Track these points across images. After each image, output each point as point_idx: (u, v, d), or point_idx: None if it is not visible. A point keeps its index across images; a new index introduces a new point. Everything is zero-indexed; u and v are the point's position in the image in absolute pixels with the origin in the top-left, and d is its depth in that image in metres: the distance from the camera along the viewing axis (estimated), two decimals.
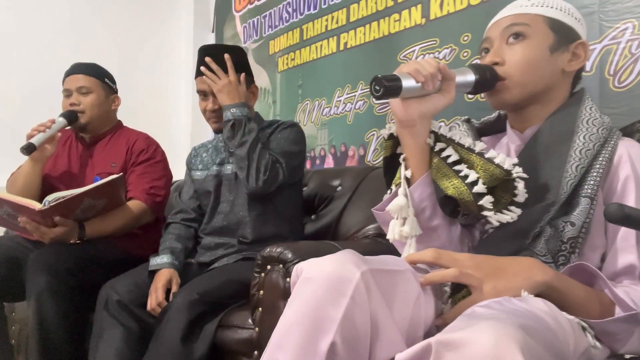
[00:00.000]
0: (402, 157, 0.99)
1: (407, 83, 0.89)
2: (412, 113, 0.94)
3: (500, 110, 1.14)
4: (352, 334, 0.75)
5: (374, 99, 0.93)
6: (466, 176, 0.91)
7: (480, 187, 0.90)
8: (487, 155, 0.91)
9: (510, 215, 0.91)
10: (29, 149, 1.73)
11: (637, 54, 1.42)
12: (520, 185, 0.90)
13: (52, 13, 2.92)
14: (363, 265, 0.78)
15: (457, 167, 0.93)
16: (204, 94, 1.72)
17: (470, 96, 1.73)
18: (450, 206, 0.95)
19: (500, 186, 0.91)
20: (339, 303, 0.75)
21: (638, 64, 1.42)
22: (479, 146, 0.93)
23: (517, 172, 0.90)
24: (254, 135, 1.60)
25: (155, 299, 1.54)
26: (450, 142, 0.95)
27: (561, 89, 1.02)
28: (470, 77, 0.98)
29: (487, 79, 0.98)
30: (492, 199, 0.90)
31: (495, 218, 0.91)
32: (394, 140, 1.02)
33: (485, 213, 0.91)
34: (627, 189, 0.92)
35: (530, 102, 1.02)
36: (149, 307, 1.54)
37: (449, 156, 0.94)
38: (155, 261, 1.64)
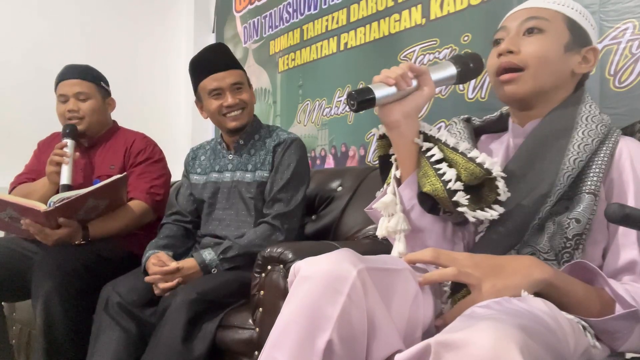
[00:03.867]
0: (393, 157, 1.02)
1: (381, 91, 0.93)
2: (394, 115, 0.96)
3: (502, 110, 1.14)
4: (349, 332, 0.75)
5: (351, 110, 0.95)
6: (443, 173, 0.93)
7: (456, 185, 0.91)
8: (469, 155, 0.93)
9: (490, 213, 0.92)
10: (68, 191, 1.72)
11: (637, 54, 1.42)
12: (501, 184, 0.91)
13: (51, 14, 2.92)
14: (359, 264, 0.78)
15: (437, 166, 0.94)
16: (217, 92, 1.70)
17: (470, 96, 1.72)
18: (428, 203, 0.97)
19: (487, 185, 0.93)
20: (335, 301, 0.75)
21: (638, 64, 1.42)
22: (463, 146, 0.94)
23: (497, 171, 0.91)
24: (235, 253, 1.58)
25: (156, 281, 1.54)
26: (437, 141, 0.97)
27: (566, 89, 1.03)
28: (451, 69, 1.00)
29: (470, 68, 1.00)
30: (467, 196, 0.91)
31: (471, 214, 0.92)
32: (387, 140, 1.04)
33: (460, 209, 0.92)
34: (626, 187, 0.93)
35: (536, 99, 1.02)
36: (156, 292, 1.54)
37: (432, 155, 0.96)
38: (142, 263, 1.64)
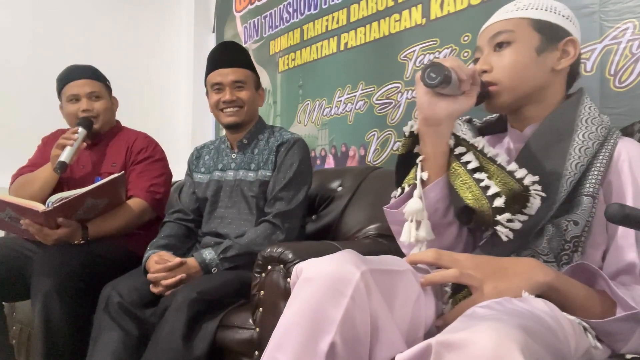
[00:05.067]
0: (419, 158, 0.99)
1: (453, 77, 0.89)
2: (440, 112, 0.94)
3: None
4: (352, 334, 0.75)
5: (427, 83, 0.91)
6: (487, 187, 0.90)
7: (500, 201, 0.89)
8: (508, 168, 0.90)
9: (516, 223, 0.90)
10: (62, 168, 1.74)
11: (637, 54, 1.42)
12: (536, 202, 0.89)
13: (52, 14, 2.92)
14: (363, 265, 0.78)
15: (477, 175, 0.92)
16: (218, 86, 1.73)
17: None
18: (467, 215, 0.95)
19: (515, 195, 0.90)
20: (338, 303, 0.75)
21: (639, 64, 1.42)
22: (502, 158, 0.92)
23: (536, 189, 0.89)
24: (235, 253, 1.58)
25: (155, 284, 1.54)
26: (471, 147, 0.95)
27: (554, 88, 1.02)
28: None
29: (484, 93, 0.99)
30: (509, 216, 0.89)
31: (506, 233, 0.90)
32: (413, 139, 1.02)
33: (498, 228, 0.90)
34: (624, 189, 0.92)
35: (523, 103, 1.02)
36: (156, 291, 1.54)
37: (468, 162, 0.94)
38: (143, 262, 1.64)
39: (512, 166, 0.91)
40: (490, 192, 0.89)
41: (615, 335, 0.84)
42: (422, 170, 0.97)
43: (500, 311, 0.68)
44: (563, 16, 1.01)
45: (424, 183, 0.97)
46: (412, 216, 0.96)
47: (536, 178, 0.90)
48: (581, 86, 1.05)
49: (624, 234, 0.91)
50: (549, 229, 0.92)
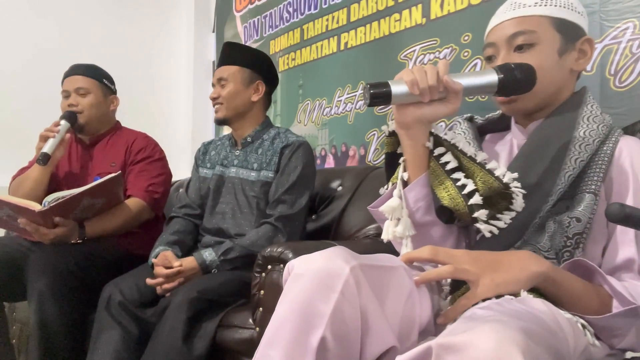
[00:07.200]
0: (401, 158, 0.99)
1: (400, 90, 0.88)
2: (407, 117, 0.93)
3: None
4: (342, 328, 0.75)
5: (364, 102, 0.91)
6: (463, 186, 0.90)
7: (476, 199, 0.89)
8: (488, 167, 0.91)
9: (503, 220, 0.91)
10: (45, 159, 1.75)
11: (637, 54, 1.42)
12: (519, 199, 0.89)
13: (52, 14, 2.92)
14: (352, 261, 0.78)
15: (454, 175, 0.92)
16: (213, 84, 1.80)
17: (471, 96, 1.71)
18: (446, 215, 0.95)
19: (499, 193, 0.91)
20: (328, 298, 0.75)
21: (639, 63, 1.41)
22: (481, 156, 0.92)
23: (516, 186, 0.89)
24: (236, 255, 1.59)
25: (159, 284, 1.54)
26: (452, 147, 0.94)
27: (567, 88, 1.03)
28: (491, 76, 0.91)
29: (516, 77, 0.91)
30: (487, 212, 0.89)
31: (487, 229, 0.90)
32: (395, 137, 1.01)
33: (478, 225, 0.91)
34: (625, 185, 0.93)
35: (541, 107, 1.02)
36: (159, 292, 1.55)
37: (447, 162, 0.93)
38: (150, 257, 1.64)
39: (492, 164, 0.91)
40: (466, 191, 0.90)
41: (614, 331, 0.84)
42: (404, 170, 0.97)
43: (500, 312, 0.68)
44: (578, 13, 1.00)
45: (405, 184, 0.97)
46: (391, 214, 0.96)
47: (515, 175, 0.90)
48: (585, 85, 1.06)
49: (623, 230, 0.91)
50: (551, 226, 0.92)
